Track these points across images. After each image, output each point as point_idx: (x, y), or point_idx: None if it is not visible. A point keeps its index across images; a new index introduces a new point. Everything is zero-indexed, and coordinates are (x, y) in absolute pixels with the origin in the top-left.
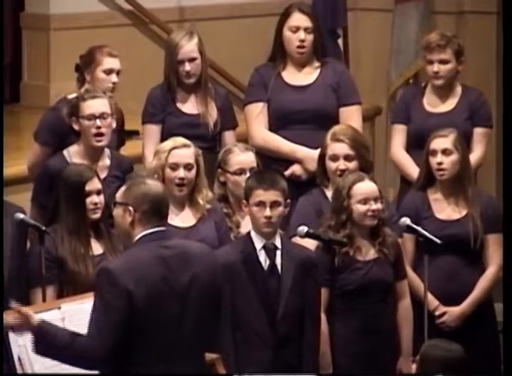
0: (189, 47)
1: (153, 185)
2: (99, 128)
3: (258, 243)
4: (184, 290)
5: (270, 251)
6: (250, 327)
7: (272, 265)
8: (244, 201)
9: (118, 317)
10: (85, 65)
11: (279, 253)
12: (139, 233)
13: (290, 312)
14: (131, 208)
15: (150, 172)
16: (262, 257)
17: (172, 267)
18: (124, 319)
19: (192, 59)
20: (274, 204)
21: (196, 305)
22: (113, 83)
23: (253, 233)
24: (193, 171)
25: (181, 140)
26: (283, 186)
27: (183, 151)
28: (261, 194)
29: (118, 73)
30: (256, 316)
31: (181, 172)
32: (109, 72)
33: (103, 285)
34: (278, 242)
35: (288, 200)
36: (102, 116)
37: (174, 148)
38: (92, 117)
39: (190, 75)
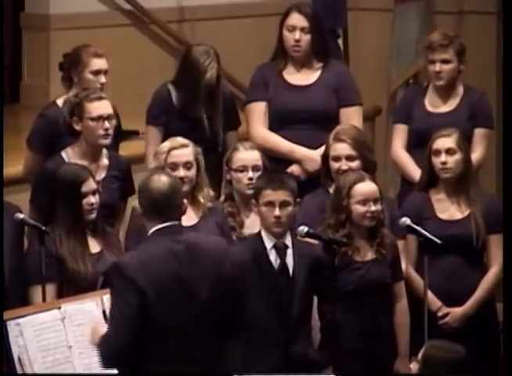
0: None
1: (155, 179)
2: (107, 129)
3: (268, 242)
4: (195, 285)
5: (280, 250)
6: (259, 326)
7: (283, 264)
8: (253, 201)
9: (133, 313)
10: (71, 65)
11: (289, 252)
12: (151, 228)
13: (303, 312)
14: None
15: None
16: (272, 256)
17: (183, 262)
18: (139, 315)
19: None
20: (283, 204)
21: (208, 300)
22: (102, 84)
23: (263, 233)
24: (193, 170)
25: (179, 140)
26: (291, 185)
27: (181, 151)
28: (269, 194)
29: (105, 73)
30: (267, 316)
31: (181, 172)
32: (96, 73)
33: (116, 280)
34: (288, 241)
35: (298, 199)
36: (109, 117)
37: (172, 149)
38: (101, 118)
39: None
